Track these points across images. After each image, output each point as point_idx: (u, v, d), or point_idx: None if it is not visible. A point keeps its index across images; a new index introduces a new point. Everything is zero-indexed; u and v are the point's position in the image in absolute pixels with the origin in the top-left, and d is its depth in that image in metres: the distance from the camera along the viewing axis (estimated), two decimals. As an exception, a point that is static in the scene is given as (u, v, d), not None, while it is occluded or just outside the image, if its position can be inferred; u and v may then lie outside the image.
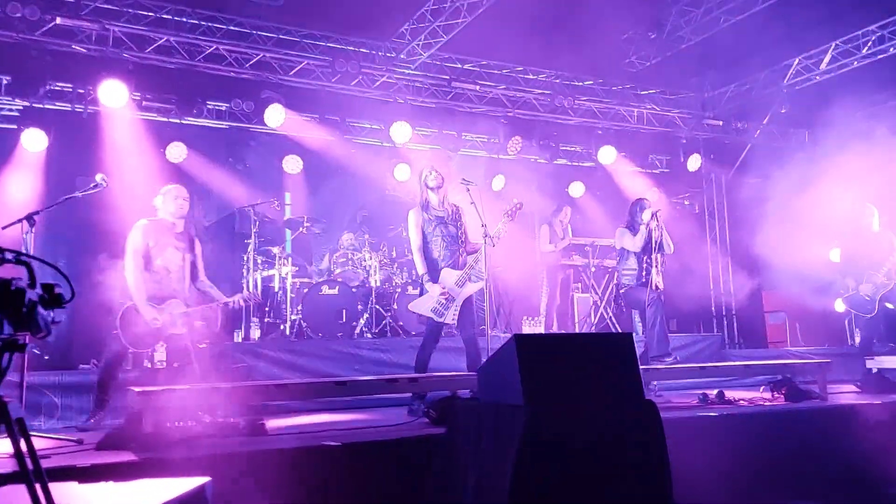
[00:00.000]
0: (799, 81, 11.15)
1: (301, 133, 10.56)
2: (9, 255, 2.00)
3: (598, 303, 10.50)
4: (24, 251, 2.02)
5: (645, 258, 7.58)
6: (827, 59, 10.68)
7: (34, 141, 8.61)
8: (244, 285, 9.16)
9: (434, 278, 6.45)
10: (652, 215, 7.55)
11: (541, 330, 10.11)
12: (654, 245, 7.54)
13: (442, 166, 6.83)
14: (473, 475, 3.72)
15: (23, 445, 2.14)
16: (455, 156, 11.31)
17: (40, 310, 1.95)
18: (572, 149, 12.44)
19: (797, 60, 11.04)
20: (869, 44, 10.17)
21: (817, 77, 10.93)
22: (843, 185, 9.28)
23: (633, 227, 7.72)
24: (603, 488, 3.52)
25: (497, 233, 6.52)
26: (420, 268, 6.53)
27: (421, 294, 6.54)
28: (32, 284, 1.97)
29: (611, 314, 10.40)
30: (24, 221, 5.13)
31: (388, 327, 9.24)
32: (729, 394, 6.53)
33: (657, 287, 7.48)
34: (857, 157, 9.83)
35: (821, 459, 5.41)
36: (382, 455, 4.43)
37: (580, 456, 3.52)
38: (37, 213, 5.23)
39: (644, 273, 7.57)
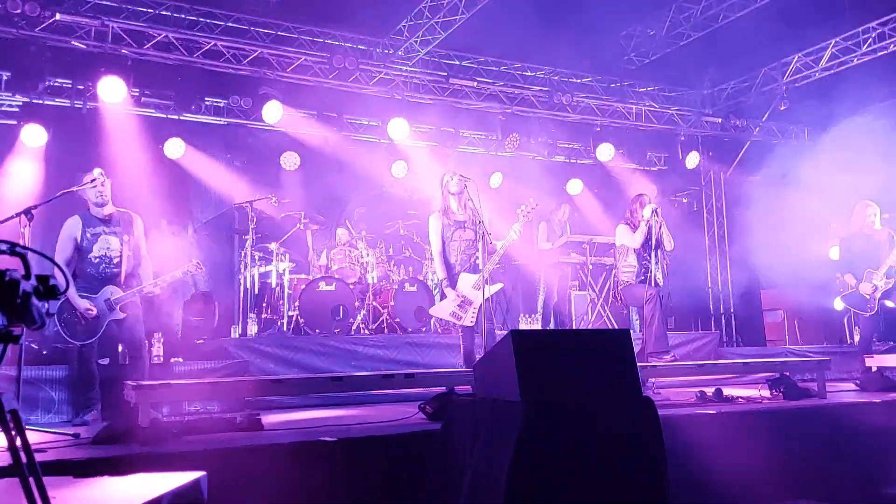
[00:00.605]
0: (798, 78, 11.15)
1: (298, 129, 10.56)
2: (3, 247, 1.99)
3: (596, 300, 10.49)
4: (20, 243, 2.01)
5: (644, 255, 7.56)
6: (827, 56, 10.68)
7: (34, 136, 8.63)
8: (240, 281, 9.16)
9: (452, 284, 6.64)
10: (653, 211, 7.54)
11: (538, 327, 10.10)
12: (654, 241, 7.52)
13: (459, 168, 6.86)
14: (469, 471, 3.71)
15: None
16: (453, 152, 11.29)
17: (35, 301, 1.94)
18: (570, 146, 12.44)
19: (797, 57, 11.04)
20: (869, 41, 10.17)
21: (817, 74, 10.94)
22: (843, 183, 9.27)
23: (633, 224, 7.69)
24: (600, 485, 3.51)
25: (515, 232, 6.72)
26: (440, 273, 6.72)
27: (442, 298, 6.78)
28: (27, 276, 1.95)
29: (608, 312, 10.38)
30: (22, 216, 5.11)
31: (385, 324, 9.23)
32: (727, 391, 6.53)
33: (657, 284, 7.46)
34: (856, 154, 9.83)
35: (819, 458, 5.40)
36: (378, 450, 4.42)
37: (577, 453, 3.51)
38: (35, 207, 5.22)
39: (643, 270, 7.55)
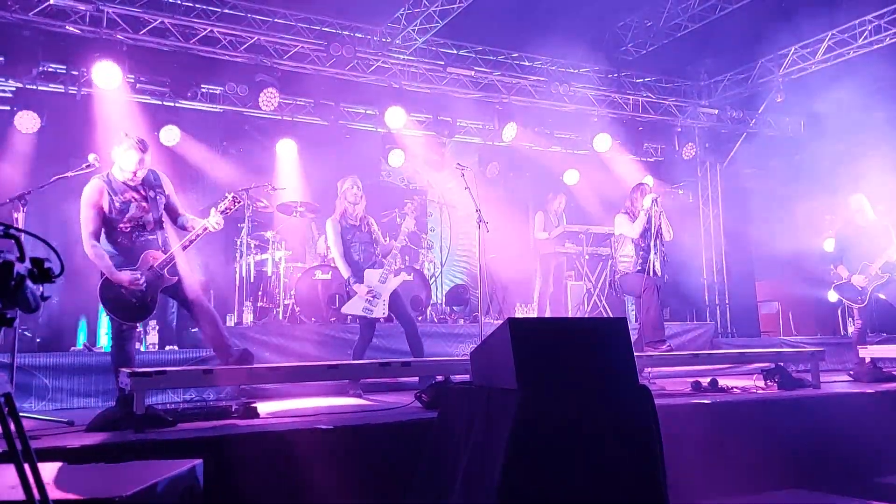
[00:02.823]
0: (795, 70, 11.14)
1: (295, 117, 10.52)
2: (-3, 229, 1.97)
3: (592, 290, 10.49)
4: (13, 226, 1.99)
5: (643, 245, 7.56)
6: (823, 48, 10.68)
7: (27, 122, 8.56)
8: (236, 269, 9.14)
9: (359, 280, 6.98)
10: (652, 201, 7.53)
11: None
12: (653, 231, 7.52)
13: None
14: (465, 459, 3.71)
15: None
16: (449, 142, 11.27)
17: (29, 284, 1.92)
18: (567, 136, 12.41)
19: (793, 49, 11.04)
20: (865, 33, 10.17)
21: (813, 66, 10.93)
22: (839, 175, 9.28)
23: (632, 214, 7.69)
24: (596, 473, 3.51)
25: (407, 228, 7.32)
26: (345, 272, 7.04)
27: (350, 296, 7.06)
28: (21, 258, 1.93)
29: (604, 302, 10.39)
30: (16, 202, 5.08)
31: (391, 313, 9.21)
32: (722, 382, 6.55)
33: (655, 273, 7.46)
34: (852, 146, 9.85)
35: (813, 447, 5.42)
36: (374, 438, 4.42)
37: (573, 441, 3.50)
38: (28, 193, 5.18)
39: (641, 260, 7.55)
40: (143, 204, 5.36)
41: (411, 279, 7.30)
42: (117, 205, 5.25)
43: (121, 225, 5.27)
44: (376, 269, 7.04)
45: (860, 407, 5.96)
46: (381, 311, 6.96)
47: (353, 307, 7.00)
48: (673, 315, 12.09)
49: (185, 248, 5.40)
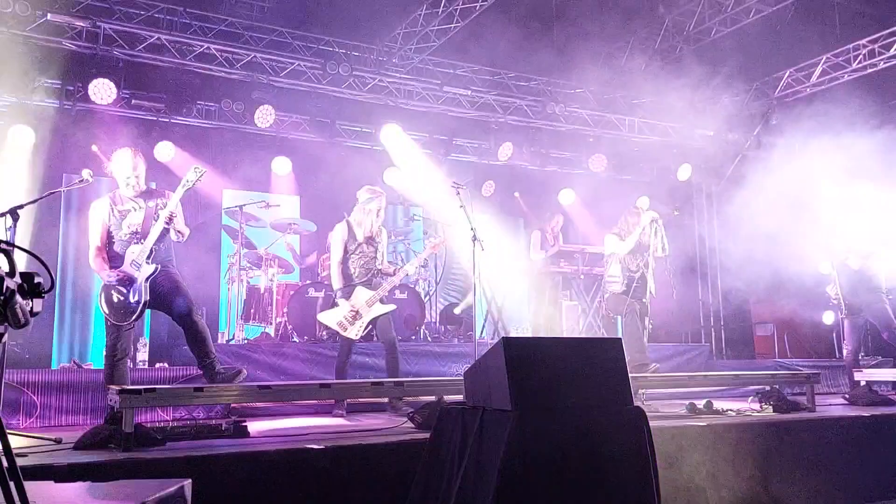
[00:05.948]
0: (789, 94, 11.20)
1: (291, 134, 10.52)
2: (-14, 243, 1.94)
3: (587, 310, 10.46)
4: (4, 240, 1.96)
5: (631, 265, 7.56)
6: (817, 72, 10.75)
7: (22, 136, 8.56)
8: (229, 286, 9.10)
9: (346, 294, 6.73)
10: (652, 220, 7.54)
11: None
12: (649, 251, 7.52)
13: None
14: (458, 480, 3.67)
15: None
16: (445, 160, 11.28)
17: (19, 299, 1.89)
18: (563, 156, 12.43)
19: (788, 73, 11.10)
20: (860, 58, 10.23)
21: (808, 90, 11.00)
22: (834, 198, 9.30)
23: (622, 234, 7.70)
24: (589, 495, 3.47)
25: (412, 266, 7.21)
26: (336, 282, 6.80)
27: (333, 306, 6.82)
28: (11, 273, 1.90)
29: (599, 322, 10.36)
30: (8, 215, 5.03)
31: (375, 331, 9.17)
32: (717, 404, 6.51)
33: (643, 293, 7.45)
34: (845, 171, 9.86)
35: (808, 470, 5.39)
36: (366, 459, 4.38)
37: (567, 461, 3.47)
38: (20, 207, 5.14)
39: (626, 280, 7.55)
40: (141, 214, 5.59)
41: (395, 308, 7.09)
42: (117, 215, 5.55)
43: (118, 235, 5.53)
44: (369, 289, 6.78)
45: (856, 430, 5.93)
46: (355, 332, 6.65)
47: (329, 318, 6.74)
48: (667, 336, 12.07)
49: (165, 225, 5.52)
